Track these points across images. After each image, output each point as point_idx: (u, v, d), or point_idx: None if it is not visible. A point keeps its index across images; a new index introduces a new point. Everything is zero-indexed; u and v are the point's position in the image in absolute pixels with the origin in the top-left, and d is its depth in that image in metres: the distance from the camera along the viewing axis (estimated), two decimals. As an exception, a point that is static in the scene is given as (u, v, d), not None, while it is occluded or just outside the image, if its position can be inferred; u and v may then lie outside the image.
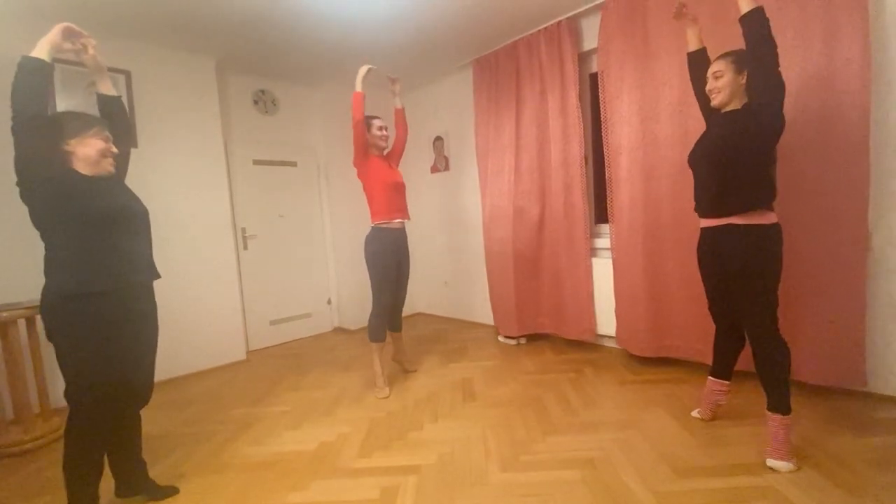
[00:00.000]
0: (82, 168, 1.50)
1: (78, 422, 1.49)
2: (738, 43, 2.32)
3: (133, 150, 2.91)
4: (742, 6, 1.64)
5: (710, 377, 2.06)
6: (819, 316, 2.17)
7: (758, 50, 1.63)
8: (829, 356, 2.16)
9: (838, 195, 2.09)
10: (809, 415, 2.06)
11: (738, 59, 1.73)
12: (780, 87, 1.62)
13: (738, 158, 1.69)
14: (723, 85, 1.76)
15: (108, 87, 1.71)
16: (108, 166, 1.56)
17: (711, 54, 1.94)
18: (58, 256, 1.45)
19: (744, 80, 1.73)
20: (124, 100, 2.97)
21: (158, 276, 1.70)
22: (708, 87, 1.82)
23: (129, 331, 1.56)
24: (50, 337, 1.46)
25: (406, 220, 2.88)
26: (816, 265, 2.16)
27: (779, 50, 1.62)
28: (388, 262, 2.74)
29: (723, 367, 2.02)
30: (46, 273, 1.45)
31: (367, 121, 2.71)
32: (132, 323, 1.58)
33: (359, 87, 2.61)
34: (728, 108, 1.80)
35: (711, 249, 1.86)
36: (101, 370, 1.47)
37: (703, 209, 1.86)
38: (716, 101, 1.80)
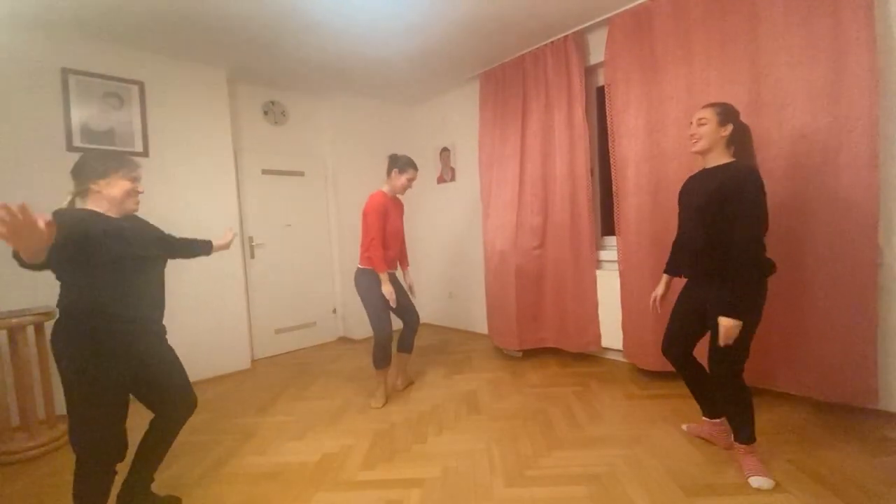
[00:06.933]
0: (106, 207, 1.50)
1: (83, 468, 1.45)
2: (739, 68, 2.36)
3: (144, 160, 3.04)
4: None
5: (703, 417, 2.04)
6: (830, 332, 2.15)
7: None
8: (840, 373, 2.13)
9: (848, 210, 2.08)
10: (821, 433, 2.02)
11: (724, 112, 1.74)
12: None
13: (722, 222, 1.69)
14: (704, 133, 1.76)
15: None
16: (132, 205, 1.56)
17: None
18: (70, 293, 1.42)
19: (726, 133, 1.74)
20: (137, 110, 3.06)
21: (165, 331, 1.67)
22: (690, 132, 1.83)
23: (136, 370, 1.53)
24: (61, 374, 1.42)
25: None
26: (827, 281, 2.14)
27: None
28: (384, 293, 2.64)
29: (710, 405, 2.01)
30: (59, 305, 1.44)
31: (406, 163, 2.70)
32: (138, 362, 1.53)
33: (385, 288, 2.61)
34: (711, 164, 1.80)
35: (694, 290, 1.89)
36: (103, 415, 1.43)
37: (685, 262, 1.91)
38: (695, 147, 1.81)
